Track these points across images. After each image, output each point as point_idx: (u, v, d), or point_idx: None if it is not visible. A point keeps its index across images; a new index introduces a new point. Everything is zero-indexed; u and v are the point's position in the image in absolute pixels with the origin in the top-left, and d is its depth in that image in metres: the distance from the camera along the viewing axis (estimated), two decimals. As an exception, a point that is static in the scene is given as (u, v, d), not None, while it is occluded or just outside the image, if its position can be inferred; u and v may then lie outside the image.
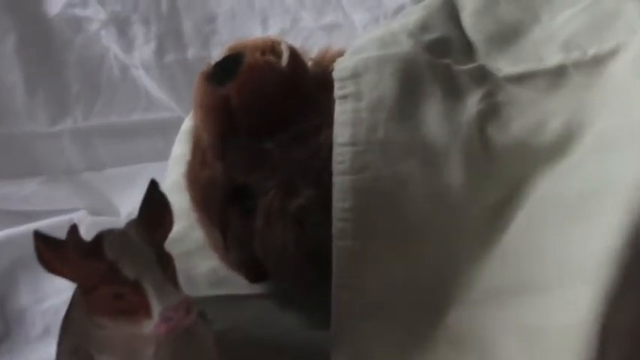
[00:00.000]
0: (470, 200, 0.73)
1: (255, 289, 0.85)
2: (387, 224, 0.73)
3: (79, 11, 1.29)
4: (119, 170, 1.25)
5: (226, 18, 1.30)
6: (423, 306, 0.72)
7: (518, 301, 0.68)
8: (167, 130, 1.19)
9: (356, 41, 0.82)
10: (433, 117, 0.74)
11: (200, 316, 0.68)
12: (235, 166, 0.77)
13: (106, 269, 0.59)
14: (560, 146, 0.73)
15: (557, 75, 0.77)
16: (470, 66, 0.79)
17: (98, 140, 1.28)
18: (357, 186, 0.72)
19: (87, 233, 0.62)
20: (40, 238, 0.60)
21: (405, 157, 0.73)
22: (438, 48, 0.80)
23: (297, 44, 0.83)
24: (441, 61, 0.78)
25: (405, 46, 0.79)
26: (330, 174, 0.73)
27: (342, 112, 0.75)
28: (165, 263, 0.61)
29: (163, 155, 1.10)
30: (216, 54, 0.83)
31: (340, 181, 0.72)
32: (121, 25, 1.29)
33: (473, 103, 0.76)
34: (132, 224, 0.62)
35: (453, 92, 0.76)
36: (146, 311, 0.58)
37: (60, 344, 0.66)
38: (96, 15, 1.29)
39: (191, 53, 1.29)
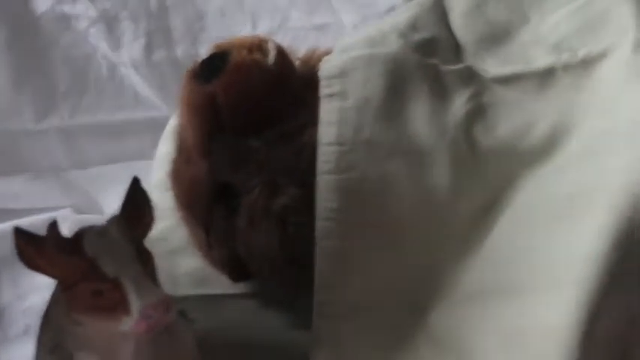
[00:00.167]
0: (455, 201, 0.73)
1: (238, 288, 0.85)
2: (371, 225, 0.73)
3: (67, 8, 1.29)
4: (105, 169, 1.24)
5: (215, 16, 1.29)
6: (405, 306, 0.72)
7: (500, 303, 0.68)
8: (155, 128, 1.18)
9: (344, 40, 0.82)
10: (420, 117, 0.74)
11: (181, 315, 0.68)
12: (220, 165, 0.76)
13: (86, 266, 0.59)
14: (546, 148, 0.73)
15: (546, 77, 0.77)
16: (458, 66, 0.79)
17: (85, 138, 1.27)
18: (342, 186, 0.72)
19: (71, 231, 0.62)
20: (20, 234, 0.59)
21: (391, 158, 0.73)
22: (427, 48, 0.80)
23: (286, 44, 0.82)
24: (429, 61, 0.78)
25: (394, 45, 0.78)
26: (314, 173, 0.73)
27: (328, 111, 0.74)
28: (145, 260, 0.61)
29: (151, 154, 1.09)
30: (205, 52, 0.82)
31: (325, 180, 0.72)
32: (109, 23, 1.28)
33: (460, 103, 0.76)
34: (112, 221, 0.62)
35: (441, 92, 0.76)
36: (125, 308, 0.58)
37: (39, 341, 0.65)
38: (84, 12, 1.28)
39: (180, 51, 1.28)
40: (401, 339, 0.71)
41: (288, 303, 0.82)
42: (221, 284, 0.84)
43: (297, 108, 0.77)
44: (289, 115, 0.76)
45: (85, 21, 1.28)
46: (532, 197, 0.72)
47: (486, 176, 0.73)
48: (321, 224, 0.72)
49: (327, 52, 0.82)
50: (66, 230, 0.61)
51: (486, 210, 0.73)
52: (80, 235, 0.60)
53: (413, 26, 0.81)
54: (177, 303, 0.63)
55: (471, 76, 0.78)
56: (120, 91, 1.28)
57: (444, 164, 0.73)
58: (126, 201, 0.63)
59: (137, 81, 1.27)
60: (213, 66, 0.77)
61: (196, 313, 0.75)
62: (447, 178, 0.72)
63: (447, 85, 0.77)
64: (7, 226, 1.06)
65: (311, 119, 0.75)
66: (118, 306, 0.58)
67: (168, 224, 0.87)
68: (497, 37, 0.82)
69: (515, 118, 0.75)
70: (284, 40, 0.83)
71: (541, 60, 0.78)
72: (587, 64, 0.76)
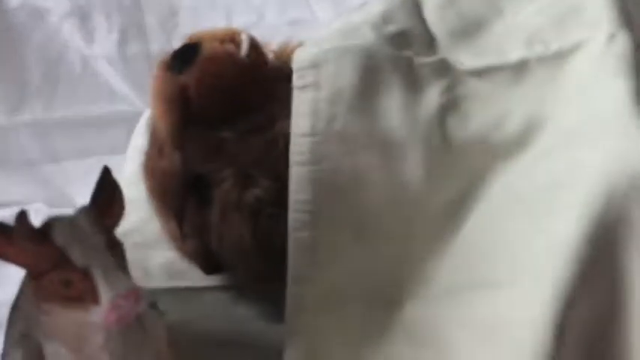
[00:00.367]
0: (429, 194, 0.72)
1: (211, 281, 0.84)
2: (344, 216, 0.72)
3: (40, 2, 1.28)
4: (78, 163, 1.24)
5: (189, 11, 1.29)
6: (379, 300, 0.72)
7: (475, 297, 0.67)
8: (128, 123, 1.17)
9: (318, 32, 0.82)
10: (393, 109, 0.74)
11: (152, 307, 0.67)
12: (192, 156, 0.76)
13: (55, 255, 0.58)
14: (520, 141, 0.73)
15: (519, 69, 0.77)
16: (431, 59, 0.78)
17: (57, 133, 1.27)
18: (314, 177, 0.72)
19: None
20: (-12, 224, 0.59)
21: (364, 150, 0.73)
22: (400, 40, 0.79)
23: (261, 39, 0.82)
24: (403, 54, 0.78)
25: (367, 37, 0.78)
26: (286, 165, 0.72)
27: (300, 103, 0.74)
28: (115, 251, 0.60)
29: (124, 148, 1.09)
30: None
31: (298, 171, 0.72)
32: (82, 17, 1.28)
33: (433, 96, 0.75)
34: (82, 211, 0.61)
35: (414, 85, 0.76)
36: (95, 298, 0.58)
37: (8, 332, 0.65)
38: (57, 6, 1.28)
39: (154, 46, 1.28)
40: (376, 333, 0.71)
41: (261, 296, 0.82)
42: (194, 276, 0.84)
43: (270, 100, 0.77)
44: (261, 107, 0.76)
45: (58, 15, 1.27)
46: (506, 190, 0.71)
47: (460, 169, 0.73)
48: (293, 216, 0.72)
49: (300, 45, 0.81)
50: (38, 224, 0.60)
51: (460, 203, 0.73)
52: (49, 224, 0.59)
53: (386, 19, 0.81)
54: (149, 295, 0.62)
55: (444, 69, 0.78)
56: (93, 85, 1.28)
57: (417, 157, 0.72)
58: (96, 191, 0.62)
59: (111, 75, 1.27)
60: (185, 57, 0.76)
61: (169, 306, 0.74)
62: (420, 170, 0.72)
63: (421, 77, 0.76)
64: (-23, 219, 1.05)
65: (283, 111, 0.75)
66: (87, 296, 0.58)
67: (141, 216, 0.86)
68: (471, 29, 0.82)
69: (489, 111, 0.75)
70: (259, 35, 0.82)
71: (514, 53, 0.78)
72: (561, 56, 0.76)
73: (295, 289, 0.72)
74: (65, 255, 0.58)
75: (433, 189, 0.72)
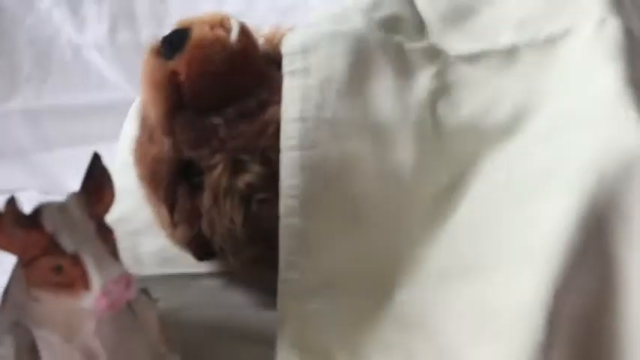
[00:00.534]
0: (420, 180, 0.72)
1: (203, 267, 0.85)
2: (335, 202, 0.72)
3: (29, -11, 1.28)
4: (70, 151, 1.23)
5: (180, -1, 1.29)
6: (370, 286, 0.72)
7: (466, 283, 0.67)
8: (119, 110, 1.16)
9: (307, 18, 0.82)
10: (383, 95, 0.74)
11: (143, 293, 0.67)
12: (183, 142, 0.76)
13: (45, 241, 0.58)
14: (511, 126, 0.73)
15: (509, 55, 0.77)
16: (422, 44, 0.78)
17: (49, 120, 1.26)
18: (305, 163, 0.71)
19: (34, 210, 0.61)
20: (-23, 211, 0.58)
21: (354, 135, 0.72)
22: (390, 25, 0.79)
23: (251, 25, 0.82)
24: (393, 39, 0.77)
25: (357, 22, 0.78)
26: (277, 151, 0.72)
27: (290, 88, 0.74)
28: (105, 237, 0.60)
29: (116, 136, 1.08)
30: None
31: (288, 157, 0.72)
32: (73, 4, 1.28)
33: (424, 81, 0.75)
34: (72, 197, 0.61)
35: (404, 70, 0.76)
36: (85, 284, 0.57)
37: (-1, 319, 0.64)
38: (47, -7, 1.28)
39: (145, 33, 1.27)
40: (366, 318, 0.71)
41: (253, 282, 0.82)
42: (185, 263, 0.84)
43: (260, 85, 0.77)
44: (252, 92, 0.76)
45: (48, 2, 1.27)
46: (497, 176, 0.71)
47: (451, 154, 0.73)
48: (284, 202, 0.71)
49: (291, 30, 0.81)
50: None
51: (451, 188, 0.73)
52: (39, 210, 0.59)
53: (376, 4, 0.81)
54: (140, 282, 0.62)
55: (435, 54, 0.78)
56: (84, 72, 1.28)
57: (408, 142, 0.72)
58: (86, 177, 0.62)
59: (101, 63, 1.26)
60: (175, 42, 0.76)
61: (160, 293, 0.74)
62: (411, 156, 0.72)
63: (411, 62, 0.76)
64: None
65: (273, 96, 0.75)
66: (77, 281, 0.58)
67: (132, 204, 0.86)
68: (461, 14, 0.81)
69: (480, 97, 0.75)
70: (250, 22, 0.82)
71: (505, 38, 0.77)
72: (551, 42, 0.76)
73: (286, 275, 0.72)
74: (55, 241, 0.58)
75: (424, 175, 0.72)
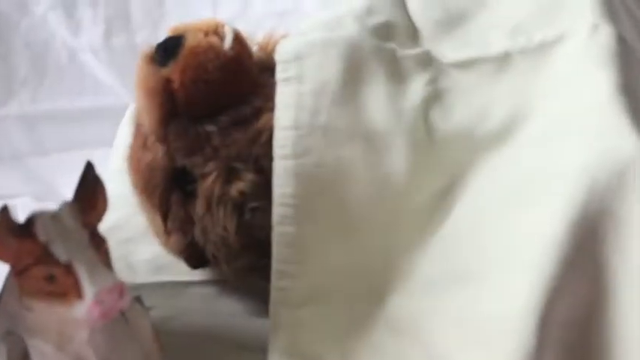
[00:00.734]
0: (413, 187, 0.73)
1: (197, 275, 0.85)
2: (328, 210, 0.73)
3: (24, -7, 1.29)
4: (65, 156, 1.24)
5: (175, 2, 1.29)
6: (363, 293, 0.73)
7: (458, 290, 0.68)
8: (115, 115, 1.17)
9: (301, 24, 0.82)
10: (377, 102, 0.74)
11: (137, 302, 0.68)
12: (176, 149, 0.76)
13: (38, 250, 0.58)
14: (503, 133, 0.73)
15: (503, 61, 0.77)
16: (415, 51, 0.78)
17: (44, 125, 1.27)
18: (298, 171, 0.72)
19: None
20: (-30, 218, 0.59)
21: (347, 143, 0.73)
22: (383, 32, 0.79)
23: (247, 30, 0.82)
24: (386, 46, 0.78)
25: (350, 29, 0.78)
26: (271, 158, 0.73)
27: (284, 96, 0.74)
28: (98, 246, 0.60)
29: (112, 141, 1.09)
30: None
31: (281, 165, 0.72)
32: (68, 8, 1.28)
33: (417, 88, 0.76)
34: (65, 206, 0.61)
35: (398, 77, 0.76)
36: (78, 293, 0.58)
37: (-8, 329, 0.65)
38: (43, -3, 1.28)
39: (140, 37, 1.28)
40: (359, 326, 0.72)
41: (246, 290, 0.83)
42: (179, 271, 0.84)
43: (254, 92, 0.77)
44: (246, 100, 0.76)
45: (43, 6, 1.27)
46: (489, 182, 0.72)
47: (443, 161, 0.73)
48: (277, 210, 0.72)
49: (285, 37, 0.82)
50: (24, 218, 0.61)
51: (444, 196, 0.73)
52: (32, 219, 0.60)
53: (369, 10, 0.81)
54: (134, 290, 0.62)
55: (428, 61, 0.78)
56: (80, 77, 1.28)
57: (401, 149, 0.73)
58: (79, 186, 0.62)
59: (97, 67, 1.27)
60: (169, 49, 0.76)
61: (154, 301, 0.75)
62: (404, 163, 0.72)
63: (404, 69, 0.77)
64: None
65: (267, 104, 0.75)
66: (70, 291, 0.58)
67: (126, 211, 0.87)
68: (454, 21, 0.82)
69: (472, 103, 0.75)
70: (245, 26, 0.82)
71: (498, 44, 0.78)
72: (544, 48, 0.76)
73: (279, 283, 0.72)
74: (48, 250, 0.58)
75: (417, 182, 0.73)
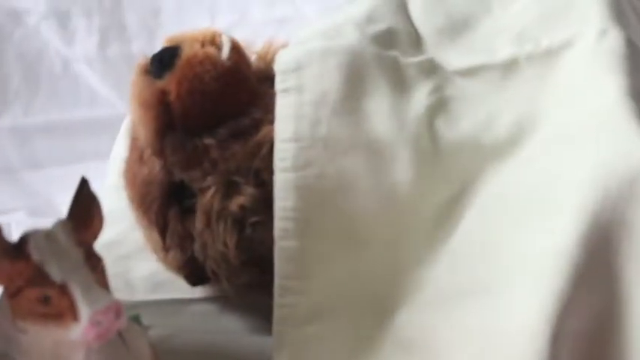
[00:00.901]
0: (418, 199, 0.73)
1: (196, 292, 0.85)
2: (331, 224, 0.72)
3: (17, 3, 1.28)
4: (60, 170, 1.24)
5: (172, 10, 1.29)
6: (370, 308, 0.72)
7: (467, 304, 0.68)
8: (111, 127, 1.17)
9: (300, 33, 0.82)
10: (379, 112, 0.74)
11: (134, 321, 0.67)
12: (173, 163, 0.76)
13: (32, 271, 0.58)
14: (511, 142, 0.73)
15: (509, 68, 0.77)
16: (418, 59, 0.79)
17: (38, 138, 1.26)
18: (299, 184, 0.72)
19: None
20: (-37, 239, 0.59)
21: (350, 154, 0.73)
22: (385, 40, 0.79)
23: (246, 38, 0.82)
24: (388, 54, 0.78)
25: (350, 37, 0.78)
26: (271, 172, 0.72)
27: (284, 107, 0.74)
28: (94, 265, 0.60)
29: (108, 154, 1.09)
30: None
31: (282, 178, 0.72)
32: (61, 18, 1.28)
33: (421, 97, 0.76)
34: (60, 224, 0.61)
35: (400, 86, 0.76)
36: (73, 315, 0.57)
37: (-15, 352, 0.65)
38: (35, 7, 1.28)
39: (136, 47, 1.28)
40: (366, 341, 0.71)
41: (248, 307, 0.82)
42: (179, 288, 0.84)
43: (254, 103, 0.77)
44: (245, 111, 0.76)
45: (36, 16, 1.27)
46: (497, 193, 0.72)
47: (450, 172, 0.73)
48: (278, 224, 0.72)
49: (284, 46, 0.82)
50: (18, 235, 0.60)
51: (450, 207, 0.73)
52: (25, 238, 0.59)
53: (370, 17, 0.81)
54: (131, 308, 0.62)
55: (432, 69, 0.78)
56: (74, 88, 1.28)
57: (406, 160, 0.72)
58: (73, 203, 0.62)
59: (92, 78, 1.27)
60: (165, 60, 0.76)
61: (153, 319, 0.75)
62: (409, 174, 0.72)
63: (408, 78, 0.77)
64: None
65: (267, 115, 0.75)
66: (65, 312, 0.58)
67: (123, 227, 0.87)
68: (458, 27, 0.82)
69: (478, 112, 0.75)
70: (244, 34, 0.82)
71: (504, 51, 0.78)
72: (551, 54, 0.76)
73: (282, 300, 0.72)
74: (42, 270, 0.58)
75: (422, 193, 0.72)
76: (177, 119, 0.76)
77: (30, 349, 0.61)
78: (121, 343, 0.64)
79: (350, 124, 0.73)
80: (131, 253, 0.88)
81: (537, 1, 0.81)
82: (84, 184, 0.63)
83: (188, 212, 0.77)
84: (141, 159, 0.80)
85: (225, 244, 0.75)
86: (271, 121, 0.74)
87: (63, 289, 0.58)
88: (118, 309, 0.58)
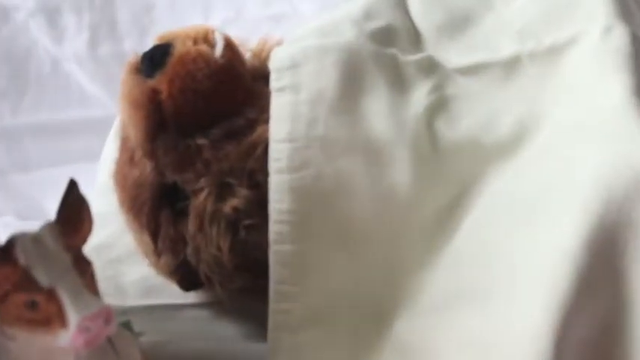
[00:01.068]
0: (417, 201, 0.73)
1: (189, 297, 0.85)
2: (328, 227, 0.72)
3: (4, -1, 1.28)
4: (50, 172, 1.23)
5: (165, 7, 1.29)
6: (368, 314, 0.72)
7: (469, 310, 0.68)
8: (101, 128, 1.17)
9: (296, 30, 0.82)
10: (377, 111, 0.74)
11: (125, 327, 0.67)
12: (165, 165, 0.76)
13: (19, 275, 0.58)
14: (513, 142, 0.73)
15: (511, 66, 0.77)
16: (417, 56, 0.79)
17: (27, 139, 1.26)
18: (295, 185, 0.72)
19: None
20: (-53, 242, 0.59)
21: (347, 155, 0.73)
22: (383, 37, 0.80)
23: (241, 36, 0.82)
24: (387, 51, 0.78)
25: (348, 34, 0.78)
26: (266, 173, 0.72)
27: (279, 106, 0.74)
28: (82, 269, 0.60)
29: (98, 155, 1.09)
30: (152, 45, 0.82)
31: (277, 180, 0.72)
32: (50, 14, 1.28)
33: (420, 96, 0.76)
34: (47, 227, 0.61)
35: (399, 84, 0.76)
36: (62, 321, 0.57)
37: (-28, 360, 0.65)
38: (23, 3, 1.28)
39: (127, 45, 1.28)
40: (364, 348, 0.71)
41: (242, 313, 0.82)
42: (171, 293, 0.84)
43: (248, 103, 0.77)
44: (239, 111, 0.76)
45: (24, 12, 1.27)
46: (499, 195, 0.72)
47: (450, 173, 0.73)
48: (273, 227, 0.72)
49: (280, 43, 0.82)
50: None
51: (451, 210, 0.73)
52: (12, 242, 0.59)
53: (368, 14, 0.81)
54: (122, 314, 0.62)
55: (432, 67, 0.78)
56: (64, 87, 1.28)
57: (404, 161, 0.73)
58: (62, 206, 0.62)
59: (82, 77, 1.26)
60: (156, 59, 0.76)
61: (144, 326, 0.75)
62: (408, 175, 0.72)
63: (407, 76, 0.77)
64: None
65: (262, 115, 0.75)
66: (53, 318, 0.58)
67: (113, 230, 0.86)
68: (459, 24, 0.82)
69: (480, 111, 0.75)
70: (239, 31, 0.82)
71: (505, 48, 0.78)
72: (555, 51, 0.76)
73: (278, 305, 0.72)
74: (29, 275, 0.58)
75: (422, 195, 0.72)
76: (168, 119, 0.76)
77: (19, 357, 0.61)
78: (111, 349, 0.64)
79: (347, 123, 0.73)
80: (122, 257, 0.88)
81: (540, -3, 0.81)
82: (73, 186, 0.63)
83: (180, 215, 0.77)
84: (131, 160, 0.80)
85: (219, 248, 0.75)
86: (266, 121, 0.74)
87: (51, 295, 0.58)
88: (107, 315, 0.58)
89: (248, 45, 0.84)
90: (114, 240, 0.88)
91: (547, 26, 0.78)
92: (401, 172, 0.72)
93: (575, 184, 0.66)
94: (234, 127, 0.75)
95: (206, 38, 0.78)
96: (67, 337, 0.58)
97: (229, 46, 0.78)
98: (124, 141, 0.82)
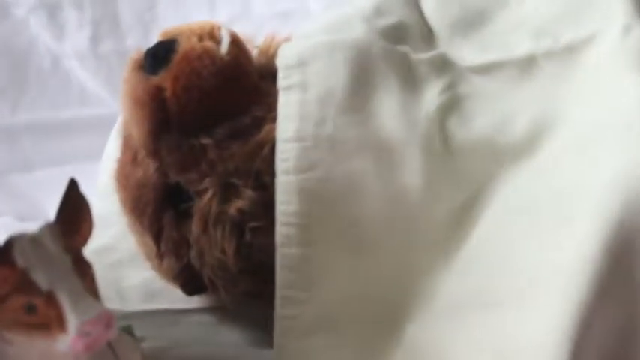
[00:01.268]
0: (429, 203, 0.72)
1: (193, 302, 0.85)
2: (337, 229, 0.72)
3: (4, -6, 1.29)
4: (50, 171, 1.24)
5: (169, 2, 1.29)
6: (377, 320, 0.72)
7: (483, 316, 0.67)
8: (103, 126, 1.17)
9: (304, 26, 0.82)
10: (388, 110, 0.74)
11: (126, 332, 0.67)
12: (169, 165, 0.76)
13: (17, 277, 0.58)
14: (528, 143, 0.73)
15: (526, 65, 0.77)
16: (430, 54, 0.79)
17: (27, 138, 1.26)
18: (302, 187, 0.71)
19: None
20: (-56, 244, 0.59)
21: (357, 155, 0.73)
22: (395, 34, 0.80)
23: (248, 32, 0.82)
24: (398, 49, 0.78)
25: (358, 31, 0.78)
26: (273, 174, 0.72)
27: (286, 105, 0.74)
28: (83, 272, 0.60)
29: (100, 155, 1.09)
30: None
31: (284, 181, 0.72)
32: (51, 10, 1.28)
33: (433, 95, 0.76)
34: (46, 228, 0.61)
35: (411, 83, 0.76)
36: (61, 325, 0.57)
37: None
38: (23, -2, 1.28)
39: (130, 42, 1.28)
40: (374, 356, 0.71)
41: (247, 318, 0.82)
42: (174, 298, 0.84)
43: (255, 101, 0.77)
44: (245, 110, 0.76)
45: (24, 8, 1.27)
46: (514, 197, 0.72)
47: (463, 175, 0.73)
48: (280, 230, 0.71)
49: (288, 40, 0.82)
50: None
51: (464, 213, 0.73)
52: (10, 243, 0.59)
53: (378, 10, 0.81)
54: (123, 319, 0.62)
55: (444, 65, 0.78)
56: (64, 85, 1.28)
57: (416, 162, 0.72)
58: (62, 206, 0.62)
59: (83, 75, 1.27)
60: (160, 55, 0.76)
61: (146, 330, 0.75)
62: (420, 176, 0.72)
63: (419, 74, 0.77)
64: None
65: (269, 114, 0.75)
66: (53, 322, 0.58)
67: (115, 232, 0.87)
68: (473, 21, 0.82)
69: (494, 111, 0.75)
70: (246, 28, 0.82)
71: (521, 47, 0.78)
72: (572, 50, 0.76)
73: (284, 310, 0.72)
74: (28, 277, 0.58)
75: (434, 197, 0.72)
76: (172, 118, 0.76)
77: (17, 361, 0.61)
78: (111, 354, 0.64)
79: (357, 123, 0.73)
80: (123, 260, 0.88)
81: (556, -5, 0.81)
82: (73, 186, 0.63)
83: (184, 217, 0.77)
84: (134, 160, 0.80)
85: (223, 251, 0.75)
86: (273, 120, 0.74)
87: (50, 298, 0.58)
88: (108, 319, 0.58)
89: (255, 42, 0.84)
90: (115, 242, 0.88)
91: (564, 25, 0.78)
92: (412, 173, 0.72)
93: (594, 187, 0.66)
94: (240, 126, 0.75)
95: (212, 34, 0.77)
96: (66, 342, 0.58)
97: (235, 42, 0.78)
98: (127, 140, 0.82)
